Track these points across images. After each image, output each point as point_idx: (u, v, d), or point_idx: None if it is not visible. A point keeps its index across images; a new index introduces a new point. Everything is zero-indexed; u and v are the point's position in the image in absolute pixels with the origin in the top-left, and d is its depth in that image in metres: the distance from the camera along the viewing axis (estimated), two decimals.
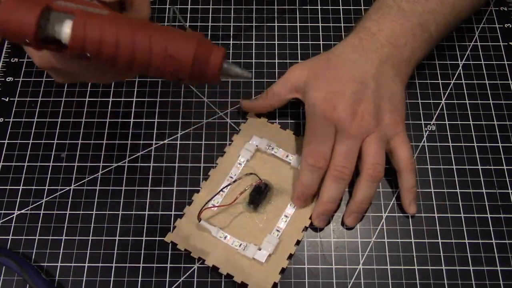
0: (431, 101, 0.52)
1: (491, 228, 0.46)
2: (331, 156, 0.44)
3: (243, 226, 0.45)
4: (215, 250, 0.44)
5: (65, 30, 0.30)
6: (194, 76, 0.31)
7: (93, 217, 0.47)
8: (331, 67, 0.46)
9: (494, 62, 0.55)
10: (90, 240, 0.45)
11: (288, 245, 0.44)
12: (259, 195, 0.46)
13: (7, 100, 0.53)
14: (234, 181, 0.47)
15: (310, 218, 0.45)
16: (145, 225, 0.46)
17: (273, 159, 0.49)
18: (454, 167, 0.49)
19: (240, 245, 0.44)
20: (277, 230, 0.45)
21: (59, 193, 0.48)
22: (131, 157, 0.49)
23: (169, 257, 0.45)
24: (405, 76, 0.48)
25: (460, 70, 0.54)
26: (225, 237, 0.45)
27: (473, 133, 0.50)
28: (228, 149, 0.49)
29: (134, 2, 0.34)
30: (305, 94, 0.47)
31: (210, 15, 0.58)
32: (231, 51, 0.56)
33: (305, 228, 0.46)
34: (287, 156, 0.48)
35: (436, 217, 0.46)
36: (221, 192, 0.46)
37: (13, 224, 0.46)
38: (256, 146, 0.48)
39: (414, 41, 0.47)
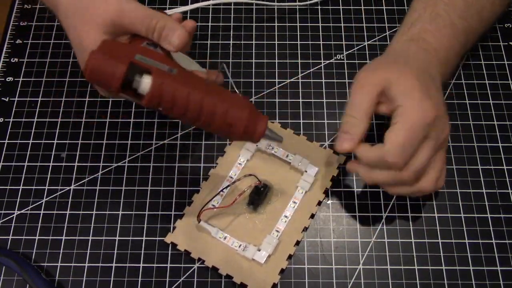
0: None
1: (491, 228, 0.46)
2: None
3: (243, 227, 0.45)
4: (215, 251, 0.44)
5: (144, 86, 0.36)
6: (241, 138, 0.39)
7: (93, 217, 0.47)
8: (407, 68, 0.43)
9: (494, 62, 0.55)
10: (90, 240, 0.45)
11: (288, 245, 0.44)
12: (259, 195, 0.46)
13: (7, 100, 0.53)
14: (234, 182, 0.47)
15: None
16: (145, 225, 0.46)
17: (273, 159, 0.49)
18: (454, 167, 0.49)
19: (239, 246, 0.44)
20: (277, 231, 0.45)
21: (59, 193, 0.48)
22: (131, 157, 0.49)
23: (169, 257, 0.45)
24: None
25: (460, 70, 0.54)
26: (225, 238, 0.45)
27: (473, 133, 0.50)
28: (228, 149, 0.49)
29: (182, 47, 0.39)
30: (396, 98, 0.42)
31: (210, 15, 0.58)
32: (231, 51, 0.56)
33: (305, 229, 0.45)
34: (287, 155, 0.48)
35: (436, 217, 0.46)
36: (221, 193, 0.46)
37: (13, 224, 0.46)
38: (256, 146, 0.48)
39: (456, 59, 0.47)
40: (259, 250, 0.44)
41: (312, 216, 0.46)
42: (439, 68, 0.44)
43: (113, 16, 0.39)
